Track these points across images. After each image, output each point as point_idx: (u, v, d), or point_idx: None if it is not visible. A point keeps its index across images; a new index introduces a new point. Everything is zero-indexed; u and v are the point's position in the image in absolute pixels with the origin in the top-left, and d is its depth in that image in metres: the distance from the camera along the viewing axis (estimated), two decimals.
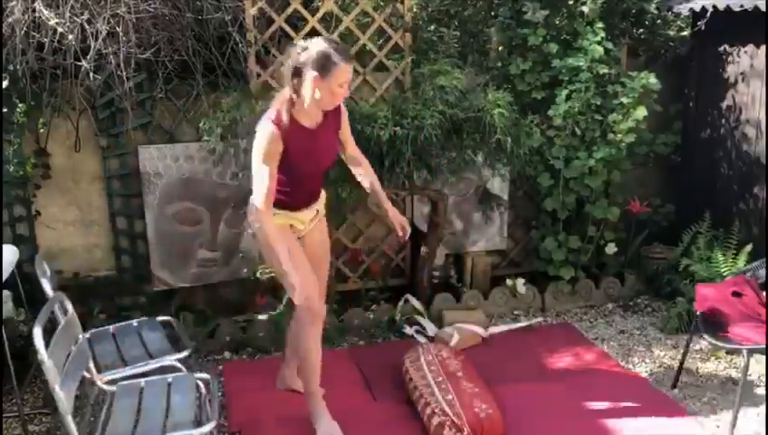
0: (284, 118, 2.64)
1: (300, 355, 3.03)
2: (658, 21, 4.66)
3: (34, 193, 3.81)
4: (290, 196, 2.80)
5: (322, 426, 3.00)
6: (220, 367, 3.71)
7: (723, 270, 3.98)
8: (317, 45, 2.60)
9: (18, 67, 3.38)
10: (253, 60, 3.81)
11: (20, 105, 3.56)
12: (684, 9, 4.38)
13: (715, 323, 3.17)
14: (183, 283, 4.07)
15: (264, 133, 2.63)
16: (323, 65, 2.57)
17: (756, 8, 3.90)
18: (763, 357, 3.50)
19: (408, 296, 4.18)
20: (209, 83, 3.78)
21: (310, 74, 2.57)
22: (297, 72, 2.61)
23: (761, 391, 3.42)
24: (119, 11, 3.35)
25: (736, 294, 3.24)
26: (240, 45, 3.70)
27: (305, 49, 2.59)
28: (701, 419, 3.21)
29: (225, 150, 3.60)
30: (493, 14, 4.43)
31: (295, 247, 2.83)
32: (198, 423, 2.46)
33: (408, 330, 4.03)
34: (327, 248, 3.14)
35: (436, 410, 2.98)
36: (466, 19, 4.48)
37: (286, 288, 2.93)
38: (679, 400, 3.38)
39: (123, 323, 3.25)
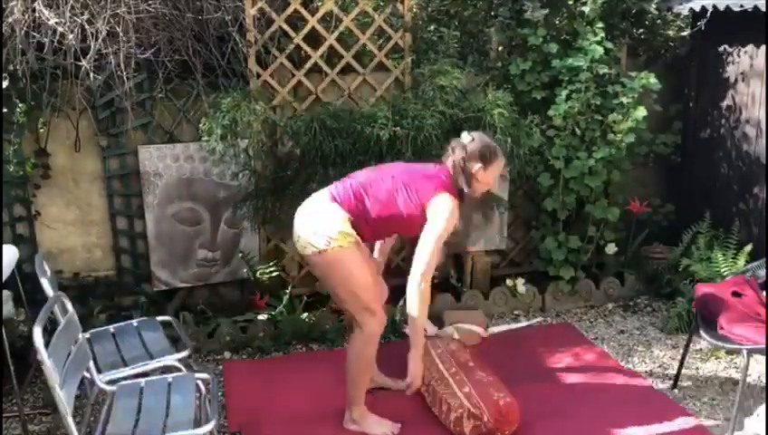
0: (454, 192, 2.82)
1: (357, 366, 2.98)
2: (658, 21, 4.65)
3: (34, 193, 3.81)
4: (365, 235, 2.87)
5: (375, 428, 3.05)
6: (220, 367, 3.70)
7: (723, 270, 3.98)
8: (483, 139, 2.86)
9: (18, 67, 3.38)
10: (253, 60, 3.81)
11: (20, 105, 3.55)
12: (684, 9, 4.39)
13: (713, 323, 3.17)
14: (183, 283, 4.08)
15: (452, 207, 2.77)
16: (486, 157, 2.81)
17: (756, 8, 3.90)
18: (763, 357, 3.50)
19: None
20: (209, 83, 3.78)
21: (475, 165, 2.80)
22: (469, 159, 2.81)
23: (761, 391, 3.42)
24: (119, 11, 3.35)
25: (736, 294, 3.24)
26: (240, 45, 3.70)
27: (472, 141, 2.81)
28: (701, 419, 3.21)
29: (225, 150, 3.60)
30: (493, 14, 4.43)
31: (367, 265, 2.91)
32: (198, 423, 2.46)
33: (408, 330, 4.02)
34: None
35: (453, 406, 3.01)
36: (466, 19, 4.48)
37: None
38: (679, 400, 3.38)
39: (123, 323, 3.25)
